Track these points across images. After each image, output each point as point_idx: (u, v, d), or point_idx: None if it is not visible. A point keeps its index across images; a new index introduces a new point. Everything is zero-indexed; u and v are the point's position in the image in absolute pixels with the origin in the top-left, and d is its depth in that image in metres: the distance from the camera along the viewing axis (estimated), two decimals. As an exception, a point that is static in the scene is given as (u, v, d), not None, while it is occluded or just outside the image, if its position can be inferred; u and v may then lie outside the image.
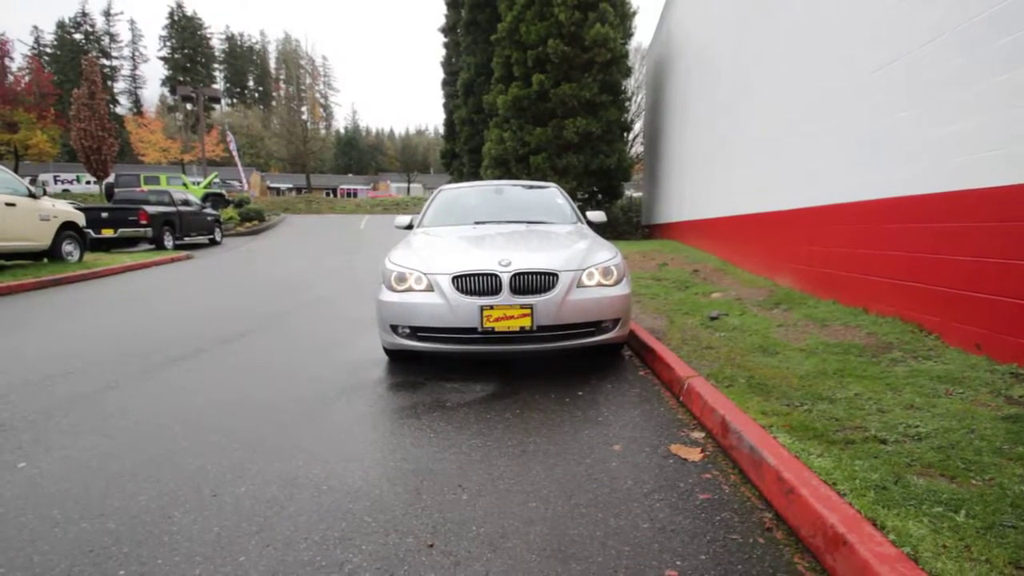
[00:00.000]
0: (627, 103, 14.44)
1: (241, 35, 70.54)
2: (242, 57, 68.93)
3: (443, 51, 22.05)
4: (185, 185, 19.60)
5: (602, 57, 13.29)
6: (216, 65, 63.80)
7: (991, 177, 3.13)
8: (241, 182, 26.87)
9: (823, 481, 1.77)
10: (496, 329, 3.15)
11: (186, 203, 14.86)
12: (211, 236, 15.98)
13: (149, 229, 12.67)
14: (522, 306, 3.15)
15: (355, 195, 50.20)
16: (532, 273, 3.23)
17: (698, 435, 2.48)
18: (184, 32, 58.67)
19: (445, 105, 21.61)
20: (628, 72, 14.21)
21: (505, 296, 3.17)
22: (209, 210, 16.39)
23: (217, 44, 65.87)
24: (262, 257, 12.63)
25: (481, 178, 16.81)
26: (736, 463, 2.15)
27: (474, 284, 3.22)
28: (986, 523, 1.58)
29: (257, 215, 21.37)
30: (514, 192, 5.18)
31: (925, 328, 3.63)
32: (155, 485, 2.09)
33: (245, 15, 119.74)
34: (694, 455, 2.26)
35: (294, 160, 46.71)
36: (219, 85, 60.59)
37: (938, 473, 1.94)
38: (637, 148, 20.39)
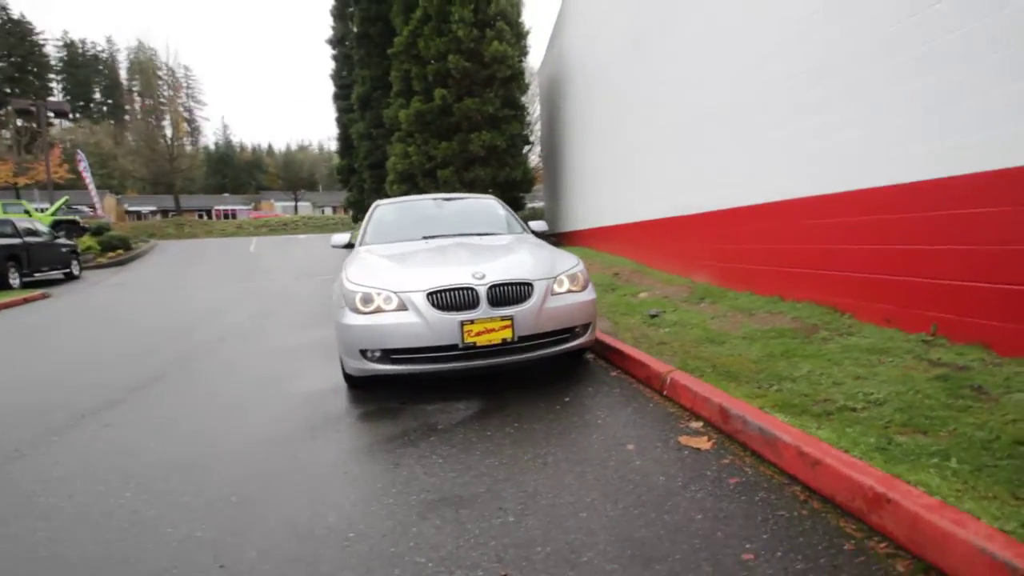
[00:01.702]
0: (527, 118, 14.91)
1: (83, 42, 61.97)
2: (85, 66, 60.54)
3: (332, 63, 21.21)
4: (28, 212, 16.72)
5: (502, 73, 13.60)
6: (52, 75, 55.42)
7: (884, 177, 3.70)
8: (95, 207, 23.48)
9: (840, 450, 1.95)
10: (478, 344, 3.08)
11: (33, 233, 12.69)
12: (67, 270, 13.79)
13: (-12, 266, 10.62)
14: (503, 318, 3.11)
15: (234, 216, 46.24)
16: (509, 284, 3.21)
17: (696, 424, 2.61)
18: (11, 38, 50.24)
19: (339, 119, 20.75)
20: (526, 88, 14.68)
21: (484, 309, 3.11)
22: (63, 240, 14.14)
23: (53, 51, 57.37)
24: (139, 290, 11.15)
25: (387, 194, 16.34)
26: (746, 445, 2.30)
27: (450, 299, 3.11)
28: (974, 466, 1.85)
29: (122, 243, 18.83)
30: (455, 205, 5.11)
31: (839, 309, 4.16)
32: (137, 571, 1.74)
33: (89, 21, 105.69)
34: (703, 444, 2.38)
35: (157, 180, 41.82)
36: (56, 97, 52.58)
37: (912, 431, 2.22)
38: (533, 160, 21.11)
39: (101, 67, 62.69)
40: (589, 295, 3.51)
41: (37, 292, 10.50)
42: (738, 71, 5.46)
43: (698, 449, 2.33)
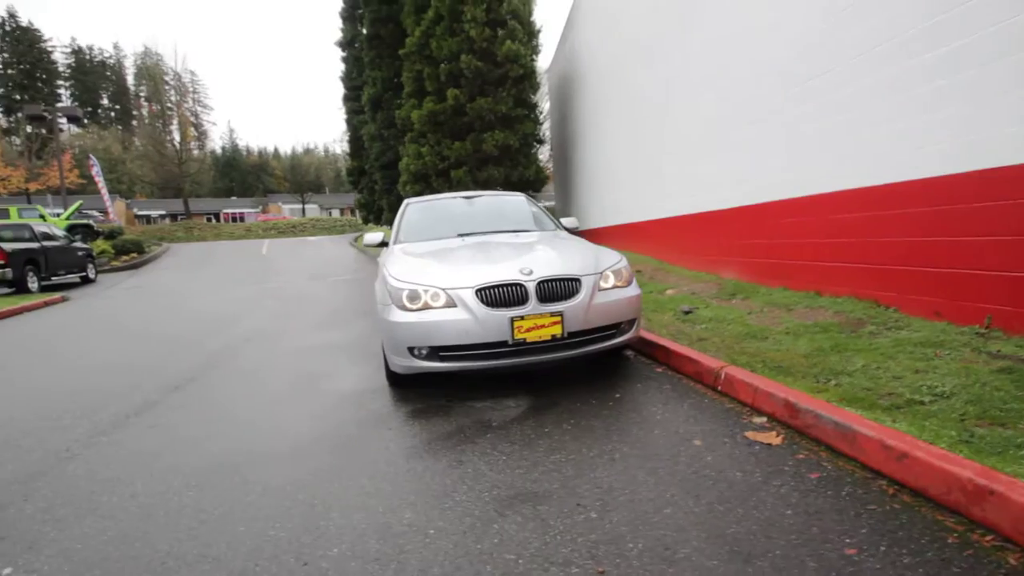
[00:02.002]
0: (539, 117, 14.88)
1: (91, 48, 62.40)
2: (93, 73, 60.95)
3: (342, 66, 21.24)
4: (43, 217, 16.83)
5: (515, 72, 13.58)
6: (61, 81, 55.88)
7: (926, 170, 3.64)
8: (108, 211, 23.61)
9: (926, 443, 1.91)
10: (528, 340, 3.04)
11: (50, 237, 12.76)
12: (83, 273, 13.86)
13: (8, 270, 10.66)
14: (552, 314, 3.08)
15: (242, 219, 46.48)
16: (557, 280, 3.18)
17: (759, 420, 2.57)
18: (20, 45, 50.71)
19: (349, 121, 20.75)
20: (538, 87, 14.65)
21: (533, 305, 3.07)
22: (79, 244, 14.22)
23: (61, 58, 57.83)
24: (157, 293, 11.17)
25: (399, 195, 16.35)
26: (819, 440, 2.26)
27: (500, 295, 3.08)
28: (1065, 458, 1.80)
29: (135, 246, 18.94)
30: (486, 202, 5.08)
31: (882, 303, 4.10)
32: (220, 570, 1.71)
33: (95, 28, 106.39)
34: (773, 439, 2.34)
35: (166, 184, 42.09)
36: (64, 103, 52.99)
37: (989, 423, 2.17)
38: (541, 159, 21.07)
39: (108, 73, 63.14)
40: (634, 291, 3.47)
41: (56, 295, 10.55)
42: (765, 67, 5.40)
43: (768, 444, 2.29)
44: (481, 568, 1.59)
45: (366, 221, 21.47)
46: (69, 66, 59.08)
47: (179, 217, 42.73)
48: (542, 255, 3.48)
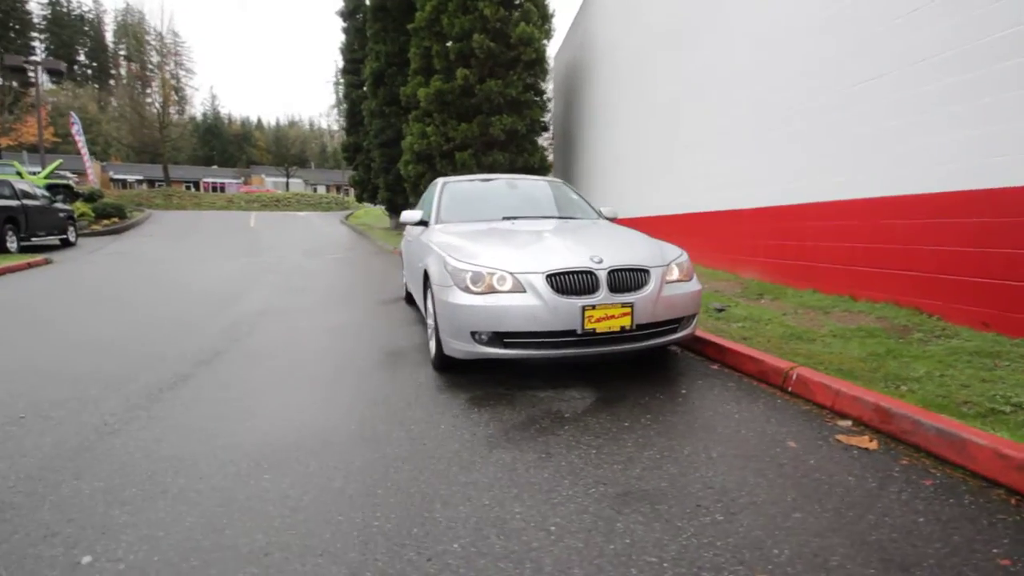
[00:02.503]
0: (548, 103, 14.68)
1: (69, 1, 59.32)
2: (70, 27, 57.95)
3: (342, 36, 20.54)
4: (20, 174, 15.99)
5: (528, 56, 13.33)
6: (35, 34, 52.93)
7: (978, 181, 3.65)
8: (87, 172, 22.58)
9: (1047, 455, 1.89)
10: (597, 330, 2.96)
11: (30, 196, 12.12)
12: (64, 236, 13.26)
13: (-12, 227, 10.10)
14: (623, 304, 2.99)
15: (223, 189, 45.15)
16: (628, 270, 3.09)
17: (845, 423, 2.53)
18: (-10, -9, 47.83)
19: (347, 95, 20.14)
20: (547, 73, 14.43)
21: (604, 295, 2.98)
22: (61, 204, 13.56)
23: (36, 9, 54.78)
24: (145, 261, 10.74)
25: (399, 175, 15.99)
26: (917, 446, 2.23)
27: (571, 283, 2.98)
28: None
29: (116, 211, 18.20)
30: (527, 186, 4.96)
31: (924, 311, 4.13)
32: (338, 564, 1.59)
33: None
34: (868, 444, 2.30)
35: (144, 148, 40.48)
36: (38, 56, 50.36)
37: (1087, 435, 2.18)
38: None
39: (87, 28, 60.17)
40: (696, 286, 3.41)
41: (39, 257, 10.05)
42: (810, 66, 5.35)
43: (865, 449, 2.26)
44: (626, 571, 1.51)
45: (360, 199, 21.01)
46: (45, 18, 56.03)
47: (157, 184, 41.25)
48: (607, 243, 3.38)
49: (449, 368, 3.43)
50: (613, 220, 4.69)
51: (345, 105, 20.49)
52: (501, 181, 5.00)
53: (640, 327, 3.05)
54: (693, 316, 3.39)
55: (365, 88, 17.93)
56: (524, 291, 2.96)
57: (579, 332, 2.94)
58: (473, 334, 3.00)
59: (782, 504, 1.83)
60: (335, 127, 67.60)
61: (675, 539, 1.65)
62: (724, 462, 2.16)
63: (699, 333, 3.89)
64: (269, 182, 50.71)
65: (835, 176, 5.08)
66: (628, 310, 3.00)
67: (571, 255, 3.11)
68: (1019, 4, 3.47)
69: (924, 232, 4.14)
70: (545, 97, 14.45)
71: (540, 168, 14.42)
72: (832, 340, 3.80)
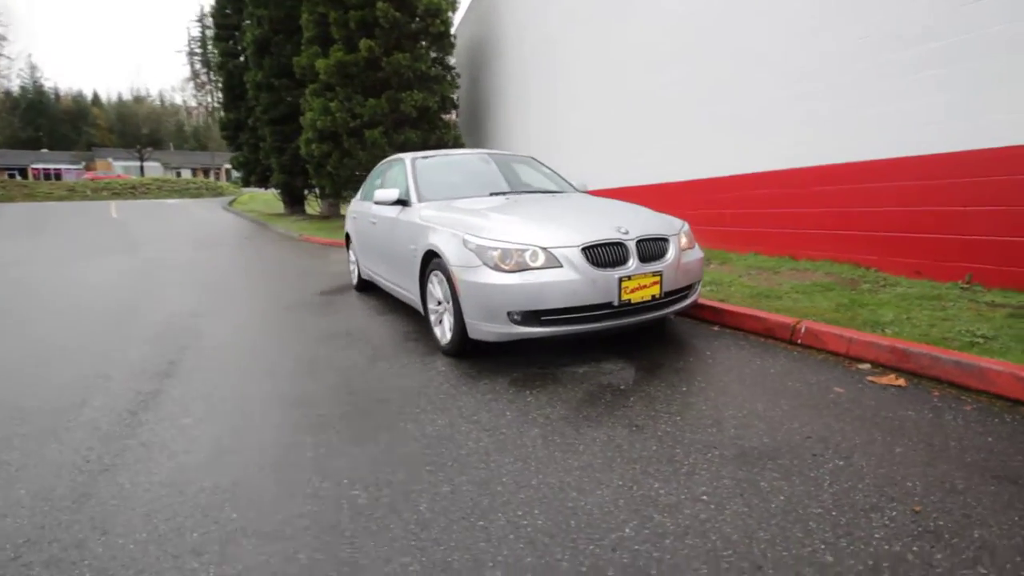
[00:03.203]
0: (457, 79, 14.28)
1: None
2: None
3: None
4: None
5: (435, 28, 12.82)
6: None
7: (910, 148, 4.23)
8: None
9: (1055, 374, 2.25)
10: (632, 301, 2.97)
11: None
12: None
13: None
14: (654, 273, 3.03)
15: (58, 176, 38.39)
16: (652, 239, 3.13)
17: (863, 367, 2.81)
18: None
19: (221, 65, 17.81)
20: (453, 47, 14.01)
21: (635, 265, 3.00)
22: None
23: None
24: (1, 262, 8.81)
25: (296, 155, 14.63)
26: (938, 379, 2.54)
27: (605, 255, 2.95)
28: None
29: (-77, 206, 14.63)
30: (501, 161, 4.78)
31: (862, 265, 4.71)
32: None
33: None
34: (898, 381, 2.58)
35: (-60, 128, 32.86)
36: None
37: (1052, 357, 2.63)
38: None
39: None
40: (700, 252, 3.55)
41: None
42: (743, 52, 5.74)
43: (899, 386, 2.53)
44: (805, 525, 1.54)
45: (247, 183, 18.96)
46: None
47: (-35, 171, 33.82)
48: (622, 215, 3.39)
49: (465, 354, 3.24)
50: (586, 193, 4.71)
51: (219, 78, 18.18)
52: (473, 156, 4.78)
53: (667, 294, 3.12)
54: (699, 282, 3.54)
55: (244, 58, 16.08)
56: (560, 266, 2.87)
57: (616, 304, 2.94)
58: (510, 314, 2.86)
59: (878, 443, 1.99)
60: (192, 102, 60.24)
61: (820, 488, 1.72)
62: (797, 413, 2.29)
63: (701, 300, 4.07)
64: (118, 167, 43.80)
65: (776, 149, 5.55)
66: (658, 279, 3.05)
67: (597, 227, 3.07)
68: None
69: (857, 195, 4.70)
70: (455, 72, 14.04)
71: (455, 147, 14.07)
72: (798, 295, 4.19)
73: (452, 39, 13.74)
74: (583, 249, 2.91)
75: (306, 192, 17.47)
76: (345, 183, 13.59)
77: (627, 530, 1.56)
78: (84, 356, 3.58)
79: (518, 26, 12.17)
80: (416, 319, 4.31)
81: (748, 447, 2.01)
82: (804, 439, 2.06)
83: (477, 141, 15.30)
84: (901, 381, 2.59)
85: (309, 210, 17.95)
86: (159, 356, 3.51)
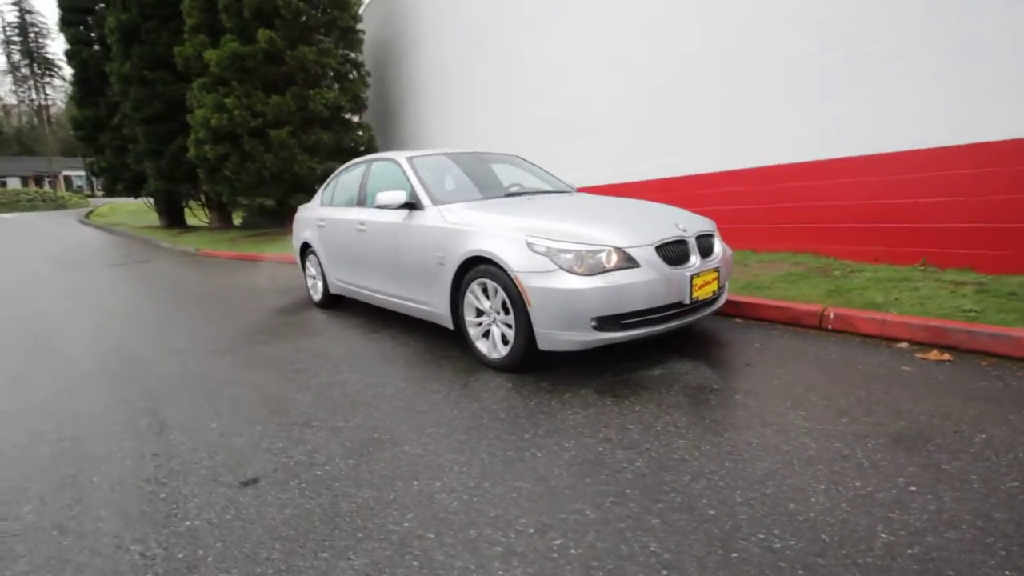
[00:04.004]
0: (367, 77, 13.48)
1: None
2: None
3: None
4: None
5: (344, 22, 12.04)
6: None
7: (876, 147, 4.77)
8: None
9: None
10: (699, 298, 2.96)
11: None
12: None
13: None
14: (713, 269, 3.06)
15: None
16: (705, 236, 3.16)
17: (901, 346, 3.07)
18: None
19: (73, 54, 14.90)
20: (362, 43, 13.25)
21: (698, 261, 3.00)
22: None
23: None
24: None
25: (179, 159, 12.77)
26: (975, 350, 2.84)
27: (675, 253, 2.91)
28: None
29: None
30: (497, 160, 4.54)
31: (823, 254, 5.20)
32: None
33: None
34: (943, 356, 2.85)
35: None
36: None
37: (1041, 324, 3.08)
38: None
39: None
40: (729, 249, 3.65)
41: None
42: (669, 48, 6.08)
43: (948, 361, 2.79)
44: (993, 509, 1.60)
45: (110, 192, 16.19)
46: None
47: None
48: (664, 212, 3.36)
49: (521, 369, 3.00)
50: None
51: (73, 70, 15.25)
52: (466, 155, 4.48)
53: (720, 290, 3.16)
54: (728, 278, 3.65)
55: (106, 46, 13.78)
56: (638, 266, 2.77)
57: (687, 302, 2.90)
58: (592, 320, 2.69)
59: (992, 415, 2.16)
60: (11, 100, 50.99)
61: (992, 463, 1.81)
62: (896, 394, 2.42)
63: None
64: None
65: (739, 149, 5.91)
66: (716, 274, 3.08)
67: (658, 226, 3.02)
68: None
69: (817, 191, 5.19)
70: (364, 70, 13.27)
71: (368, 149, 13.32)
72: (782, 284, 4.50)
73: (360, 34, 13.00)
74: (657, 248, 2.84)
75: (189, 201, 15.44)
76: (248, 189, 12.24)
77: (813, 514, 1.51)
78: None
79: (433, 25, 11.81)
80: (429, 335, 3.93)
81: (895, 433, 2.07)
82: (930, 418, 2.17)
83: (389, 142, 14.60)
84: (947, 356, 2.86)
85: (195, 221, 15.89)
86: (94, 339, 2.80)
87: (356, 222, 4.29)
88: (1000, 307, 3.36)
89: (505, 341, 3.04)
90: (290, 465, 2.11)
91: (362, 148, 13.06)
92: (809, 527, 1.56)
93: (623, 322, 2.76)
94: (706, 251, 3.11)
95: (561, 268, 2.71)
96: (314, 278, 5.32)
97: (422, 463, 2.08)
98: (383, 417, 2.55)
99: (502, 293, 2.94)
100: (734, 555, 1.47)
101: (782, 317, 3.70)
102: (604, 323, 2.73)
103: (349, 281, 4.58)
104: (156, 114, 13.27)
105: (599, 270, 2.72)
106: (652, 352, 3.21)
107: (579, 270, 2.71)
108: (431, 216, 3.49)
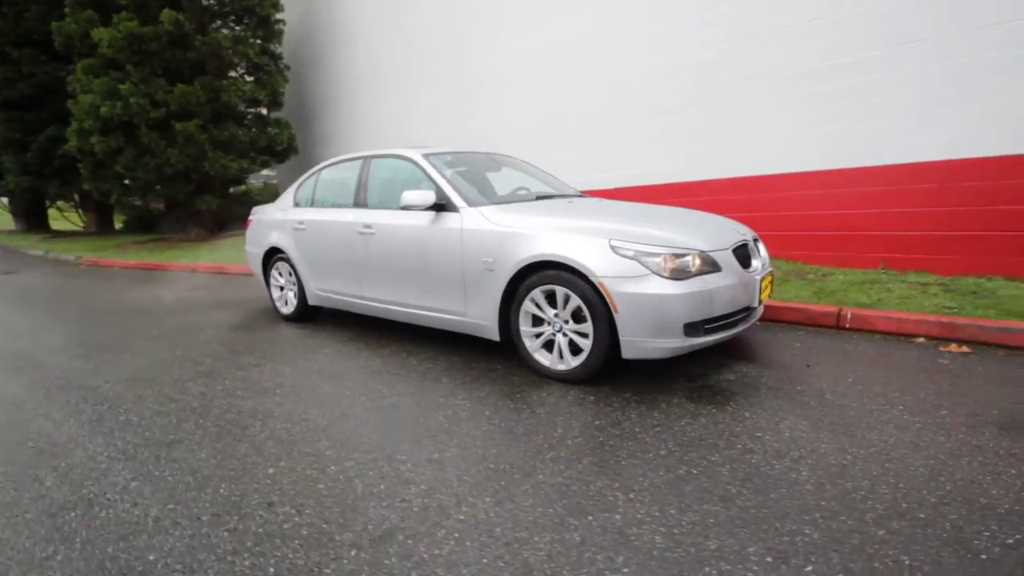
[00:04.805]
0: (285, 71, 12.39)
1: None
2: None
3: None
4: None
5: (264, 10, 11.03)
6: None
7: (833, 163, 5.25)
8: None
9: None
10: (764, 301, 3.01)
11: None
12: None
13: None
14: (770, 273, 3.12)
15: None
16: (755, 239, 3.21)
17: (919, 341, 3.35)
18: None
19: None
20: (282, 35, 12.22)
21: (759, 265, 3.06)
22: None
23: None
24: None
25: (48, 149, 10.71)
26: (985, 343, 3.17)
27: (744, 256, 2.93)
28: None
29: None
30: (509, 161, 4.31)
31: (792, 260, 5.62)
32: None
33: None
34: (962, 349, 3.15)
35: None
36: None
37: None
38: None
39: None
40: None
41: None
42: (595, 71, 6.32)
43: (969, 353, 3.09)
44: None
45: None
46: None
47: None
48: (708, 216, 3.38)
49: (590, 379, 2.84)
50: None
51: None
52: (481, 155, 4.21)
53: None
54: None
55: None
56: (719, 270, 2.74)
57: (754, 305, 2.93)
58: (686, 326, 2.61)
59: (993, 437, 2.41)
60: None
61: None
62: (955, 384, 2.62)
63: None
64: None
65: (719, 161, 6.18)
66: (771, 277, 3.15)
67: (721, 229, 3.03)
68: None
69: (784, 201, 5.60)
70: (282, 64, 12.23)
71: (288, 148, 12.29)
72: (774, 288, 4.80)
73: (281, 25, 11.98)
74: (734, 251, 2.84)
75: (58, 202, 13.13)
76: (144, 188, 10.70)
77: (925, 510, 1.57)
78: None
79: (368, 17, 11.18)
80: (448, 348, 3.61)
81: (996, 421, 2.22)
82: (1012, 404, 2.36)
83: (310, 143, 13.52)
84: (965, 348, 3.17)
85: (62, 225, 13.52)
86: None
87: (358, 225, 3.84)
88: (973, 304, 3.81)
89: (573, 351, 2.85)
90: (440, 500, 1.76)
91: (280, 147, 12.02)
92: (1018, 517, 1.59)
93: (706, 327, 2.71)
94: (760, 254, 3.18)
95: (652, 272, 2.60)
96: (282, 288, 4.70)
97: (600, 487, 1.84)
98: (488, 442, 2.25)
99: (575, 300, 2.76)
100: (983, 557, 1.45)
101: (800, 318, 3.90)
102: (691, 329, 2.65)
103: (341, 291, 4.09)
104: (20, 98, 11.14)
105: (687, 274, 2.65)
106: (702, 357, 3.20)
107: (667, 274, 2.62)
108: (472, 218, 3.20)
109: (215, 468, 2.13)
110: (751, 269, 2.96)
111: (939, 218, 4.70)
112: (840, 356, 3.16)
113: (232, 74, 11.36)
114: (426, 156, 3.71)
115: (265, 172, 16.85)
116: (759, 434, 2.21)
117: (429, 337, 3.84)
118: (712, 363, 3.09)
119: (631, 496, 1.81)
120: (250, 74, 11.40)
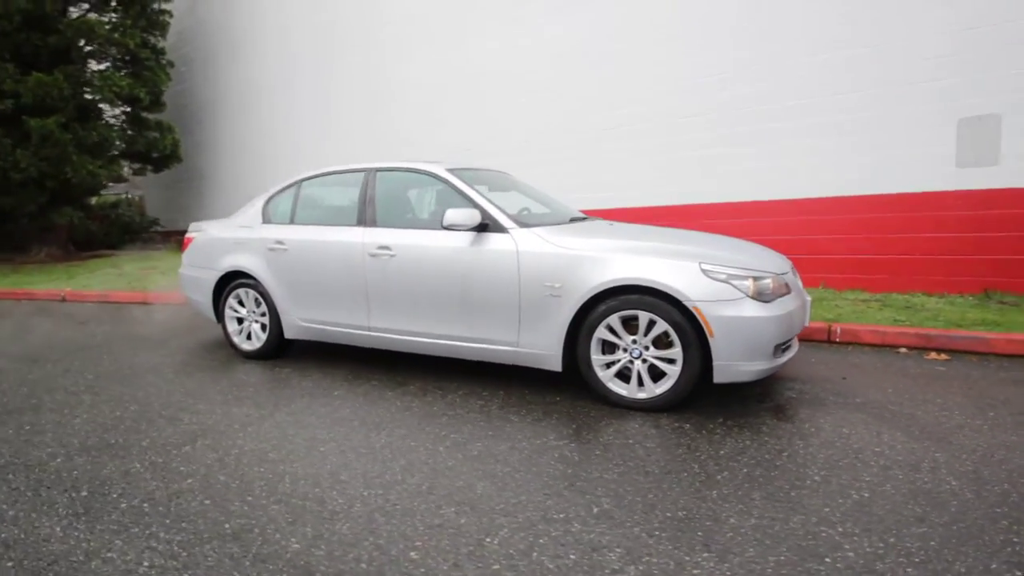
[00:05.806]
0: (168, 69, 10.75)
1: None
2: None
3: None
4: None
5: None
6: None
7: (807, 192, 5.85)
8: None
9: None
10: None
11: None
12: None
13: None
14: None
15: None
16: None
17: (903, 351, 3.81)
18: None
19: None
20: (167, 27, 10.68)
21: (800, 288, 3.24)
22: None
23: None
24: None
25: None
26: (956, 349, 3.69)
27: (794, 280, 3.08)
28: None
29: None
30: (523, 181, 4.11)
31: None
32: None
33: None
34: (941, 357, 3.63)
35: None
36: None
37: (972, 323, 4.19)
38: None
39: None
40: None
41: None
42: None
43: (948, 359, 3.56)
44: None
45: None
46: None
47: None
48: (737, 239, 3.52)
49: (674, 407, 2.78)
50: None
51: None
52: (494, 173, 3.95)
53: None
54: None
55: None
56: (790, 292, 2.85)
57: (806, 326, 3.10)
58: (776, 348, 2.66)
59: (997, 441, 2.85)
60: None
61: None
62: (973, 387, 2.99)
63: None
64: None
65: (688, 187, 6.50)
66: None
67: (770, 253, 3.16)
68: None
69: (768, 225, 6.03)
70: (164, 60, 10.68)
71: (171, 156, 10.73)
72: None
73: (167, 16, 10.50)
74: (792, 273, 2.98)
75: None
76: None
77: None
78: None
79: (280, 14, 10.20)
80: (486, 381, 3.30)
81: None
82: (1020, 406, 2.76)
83: (199, 151, 11.85)
84: (944, 356, 3.66)
85: None
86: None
87: (370, 245, 3.38)
88: (916, 317, 4.46)
89: (653, 378, 2.76)
90: None
91: (157, 154, 10.44)
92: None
93: (779, 349, 2.80)
94: (791, 278, 3.39)
95: (745, 295, 2.62)
96: (241, 321, 3.99)
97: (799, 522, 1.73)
98: (648, 488, 2.04)
99: (662, 325, 2.68)
100: None
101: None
102: (778, 350, 2.73)
103: (337, 321, 3.56)
104: None
105: (771, 297, 2.71)
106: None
107: (756, 297, 2.66)
108: (528, 240, 2.98)
109: None
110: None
111: (867, 243, 5.46)
112: (856, 368, 3.46)
113: (101, 66, 9.66)
114: (453, 171, 3.40)
115: (123, 185, 14.44)
116: (877, 448, 2.31)
117: (454, 373, 3.47)
118: (760, 382, 3.19)
119: (841, 530, 1.75)
120: (126, 67, 9.76)
